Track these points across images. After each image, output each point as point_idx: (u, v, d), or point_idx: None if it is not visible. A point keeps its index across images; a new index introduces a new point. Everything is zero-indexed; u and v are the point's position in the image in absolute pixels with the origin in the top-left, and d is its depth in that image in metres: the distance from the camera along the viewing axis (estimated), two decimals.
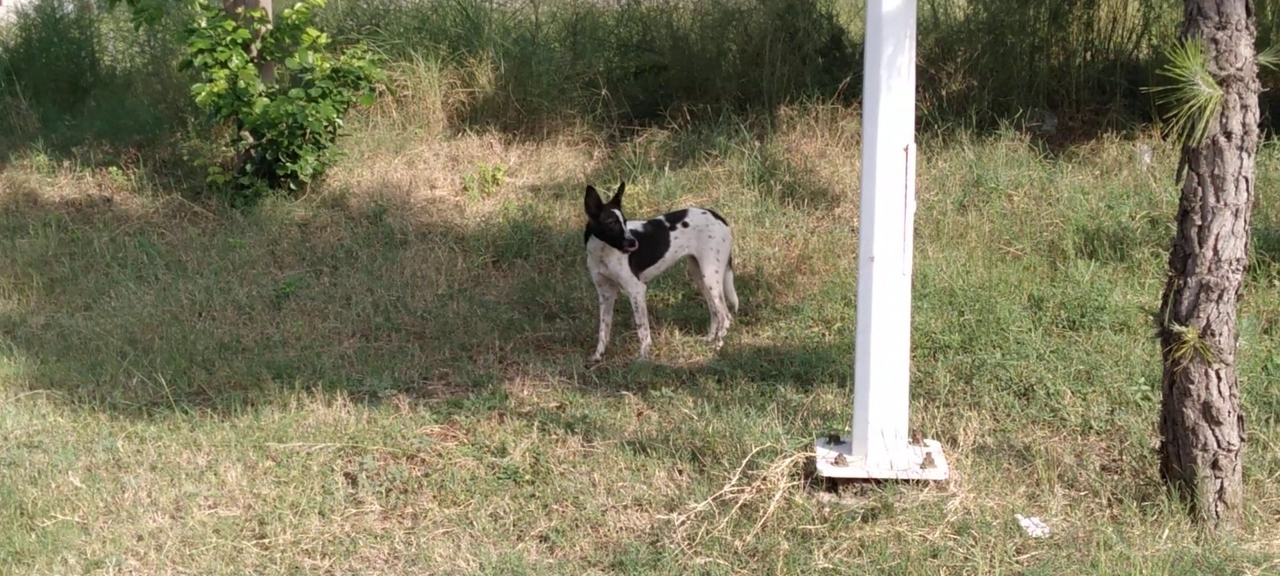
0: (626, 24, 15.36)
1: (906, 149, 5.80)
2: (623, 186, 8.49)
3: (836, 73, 13.76)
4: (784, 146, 12.73)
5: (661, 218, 8.98)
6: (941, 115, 12.95)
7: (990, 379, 7.53)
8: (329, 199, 12.32)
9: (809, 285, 9.78)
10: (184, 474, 6.70)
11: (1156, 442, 6.16)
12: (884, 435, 6.01)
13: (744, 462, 6.23)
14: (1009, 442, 6.73)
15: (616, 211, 8.30)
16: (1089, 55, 13.94)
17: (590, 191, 8.42)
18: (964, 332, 8.27)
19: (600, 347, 8.67)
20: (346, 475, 6.71)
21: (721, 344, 8.73)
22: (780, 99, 13.53)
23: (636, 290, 8.58)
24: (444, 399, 7.75)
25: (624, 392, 7.71)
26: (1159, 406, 7.03)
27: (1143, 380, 7.33)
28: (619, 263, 8.50)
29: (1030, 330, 8.40)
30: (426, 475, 6.66)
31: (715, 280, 8.80)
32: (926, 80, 13.56)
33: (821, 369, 7.90)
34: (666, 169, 12.26)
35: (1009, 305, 8.65)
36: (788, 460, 6.14)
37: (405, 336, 9.10)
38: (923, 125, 12.61)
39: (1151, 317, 7.17)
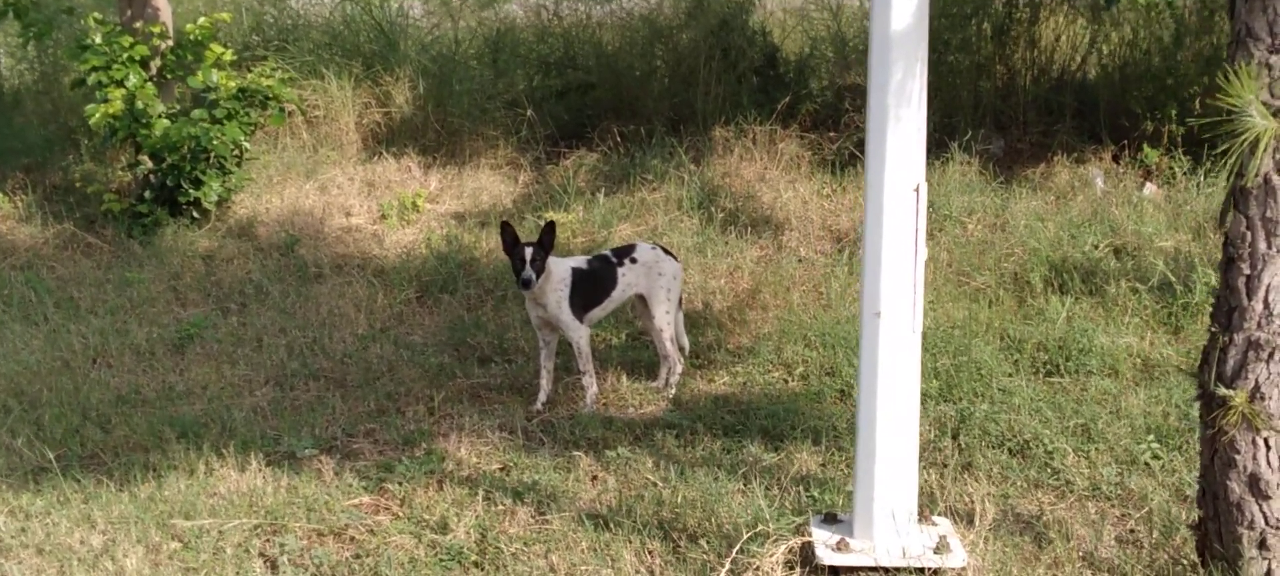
0: (547, 41, 14.58)
1: (917, 189, 5.06)
2: (552, 226, 7.70)
3: (773, 93, 13.12)
4: (722, 171, 12.02)
5: (608, 253, 8.22)
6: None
7: (980, 434, 6.83)
8: (235, 228, 11.40)
9: (761, 322, 9.05)
10: (76, 559, 5.79)
11: (1193, 518, 5.47)
12: (895, 517, 5.26)
13: (734, 551, 5.43)
14: (1013, 511, 6.02)
15: (528, 250, 7.57)
16: (1034, 74, 13.40)
17: (505, 227, 7.76)
18: (941, 378, 7.58)
19: (542, 397, 7.88)
20: (264, 558, 5.84)
21: (673, 391, 7.98)
22: (715, 120, 12.84)
23: (579, 334, 7.81)
24: (373, 460, 6.91)
25: (574, 452, 6.91)
26: (1172, 466, 6.41)
27: (1151, 437, 6.65)
28: (558, 305, 7.74)
29: (1010, 375, 7.74)
30: (357, 557, 5.82)
31: (666, 321, 8.05)
32: None
33: (790, 422, 7.16)
34: (600, 195, 11.49)
35: (984, 347, 7.98)
36: (783, 546, 5.37)
37: (324, 384, 8.25)
38: None
39: (1192, 377, 6.56)
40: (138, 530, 6.02)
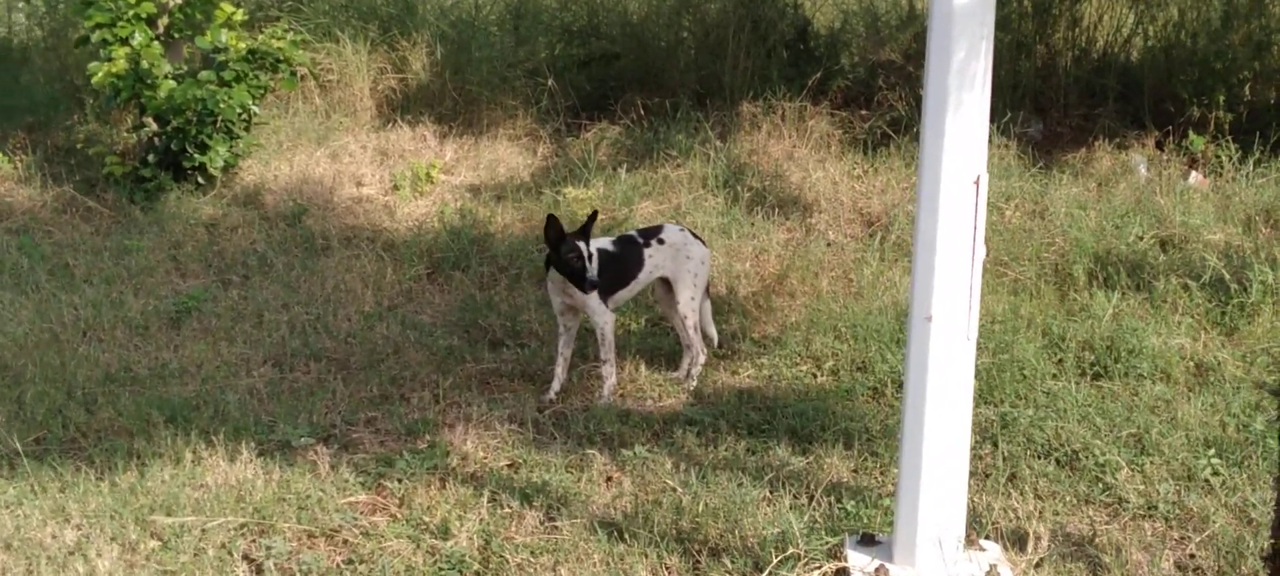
0: (571, 8, 14.07)
1: (978, 181, 4.56)
2: (594, 216, 7.26)
3: (804, 67, 12.60)
4: (749, 148, 11.52)
5: (634, 233, 7.76)
6: (921, 115, 11.75)
7: (1024, 442, 6.35)
8: (241, 195, 10.94)
9: (789, 310, 8.58)
10: (45, 556, 5.36)
11: (1265, 547, 4.97)
12: (941, 543, 4.77)
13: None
14: (1063, 531, 5.54)
15: (580, 244, 7.09)
16: (1075, 55, 12.87)
17: (552, 220, 7.19)
18: (981, 379, 7.07)
19: (555, 386, 7.42)
20: (249, 560, 5.40)
21: (695, 382, 7.51)
22: (743, 94, 12.33)
23: (605, 321, 7.34)
24: (372, 453, 6.46)
25: (588, 449, 6.45)
26: (1235, 484, 5.93)
27: (1211, 451, 6.15)
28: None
29: (1055, 376, 7.25)
30: (349, 562, 5.38)
31: (691, 308, 7.58)
32: (904, 77, 12.42)
33: (820, 422, 6.69)
34: (622, 171, 11.00)
35: (1026, 345, 7.49)
36: (817, 572, 4.89)
37: (326, 366, 7.79)
38: (902, 126, 11.49)
39: (1254, 386, 6.07)
40: (114, 526, 5.58)
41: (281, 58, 11.43)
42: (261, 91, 11.39)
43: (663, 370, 7.70)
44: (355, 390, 7.40)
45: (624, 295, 7.61)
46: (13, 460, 6.31)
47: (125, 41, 10.92)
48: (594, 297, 7.28)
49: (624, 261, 7.50)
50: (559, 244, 7.15)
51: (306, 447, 6.47)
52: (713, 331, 7.90)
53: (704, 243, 7.85)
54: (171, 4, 11.38)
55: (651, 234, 7.69)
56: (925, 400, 4.71)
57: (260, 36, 11.53)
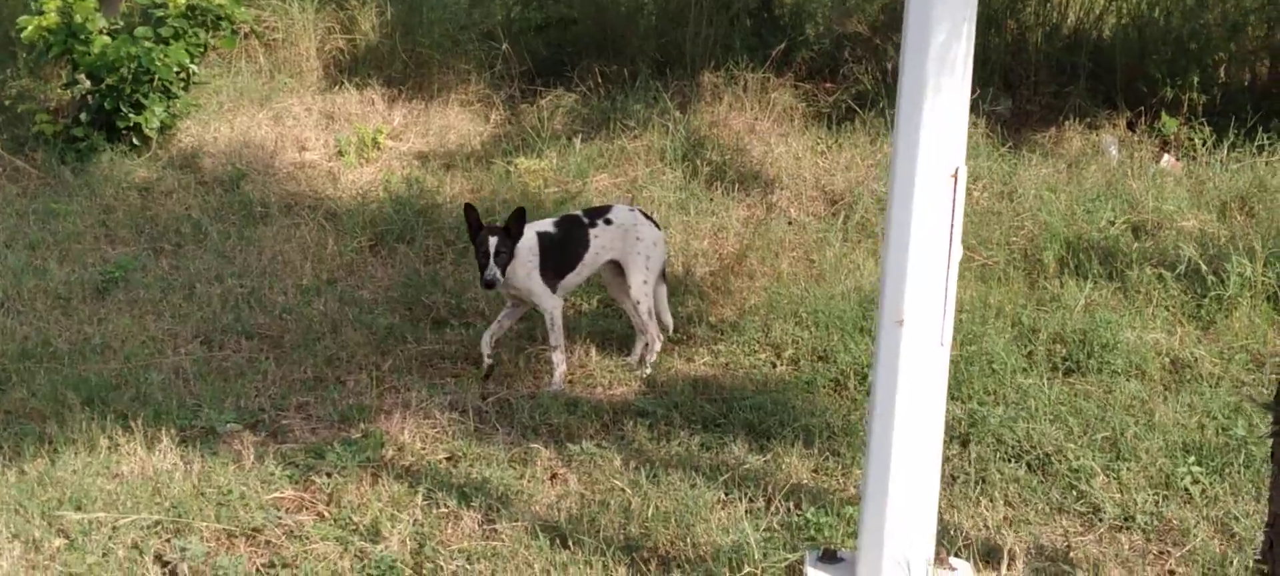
0: None
1: (955, 174, 4.16)
2: (522, 212, 6.86)
3: (767, 37, 12.20)
4: (709, 119, 11.10)
5: (578, 214, 7.37)
6: (887, 90, 11.39)
7: (994, 443, 6.00)
8: (178, 158, 10.46)
9: (747, 292, 8.20)
10: None
11: (1252, 565, 4.65)
12: (909, 567, 4.39)
13: None
14: (1036, 543, 5.19)
15: (493, 239, 6.69)
16: (1046, 31, 12.52)
17: (469, 210, 6.86)
18: (949, 373, 6.70)
19: (487, 340, 7.06)
20: (161, 562, 4.99)
21: (649, 370, 7.13)
22: (704, 64, 11.91)
23: (552, 306, 6.96)
24: (302, 443, 6.05)
25: (532, 442, 6.07)
26: (1215, 493, 5.60)
27: (1191, 458, 5.81)
28: (529, 276, 6.89)
29: (1025, 370, 6.90)
30: (270, 566, 4.97)
31: (643, 292, 7.19)
32: (871, 51, 12.03)
33: (778, 417, 6.32)
34: (577, 141, 10.57)
35: (996, 337, 7.13)
36: None
37: (258, 344, 7.38)
38: (868, 101, 11.10)
39: (1260, 405, 5.74)
40: (18, 521, 5.16)
41: (222, 15, 10.97)
42: (201, 49, 10.94)
43: (615, 355, 7.32)
44: (288, 371, 6.99)
45: (572, 281, 7.21)
46: None
47: None
48: (537, 281, 6.92)
49: (569, 244, 7.11)
50: (475, 234, 6.80)
51: (232, 435, 6.05)
52: (668, 318, 7.51)
53: (657, 224, 7.46)
54: None
55: (598, 214, 7.29)
56: (894, 410, 4.31)
57: None
